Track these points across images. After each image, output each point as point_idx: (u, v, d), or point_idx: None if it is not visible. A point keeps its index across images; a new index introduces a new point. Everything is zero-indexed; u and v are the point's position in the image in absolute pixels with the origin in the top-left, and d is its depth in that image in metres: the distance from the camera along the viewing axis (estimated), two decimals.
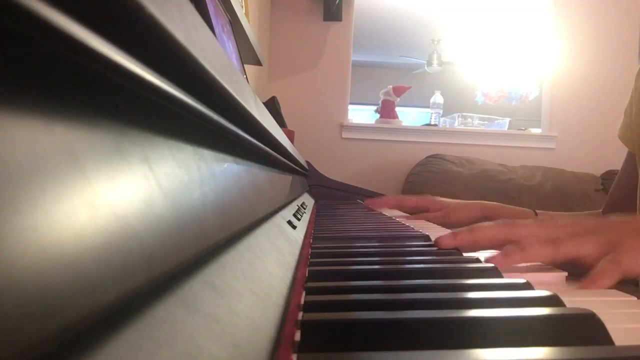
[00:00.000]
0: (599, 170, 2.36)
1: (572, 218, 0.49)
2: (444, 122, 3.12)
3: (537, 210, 0.87)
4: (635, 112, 0.76)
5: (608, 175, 2.33)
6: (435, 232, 0.68)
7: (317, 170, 1.71)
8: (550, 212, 0.87)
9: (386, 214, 0.97)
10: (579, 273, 0.39)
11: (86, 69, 0.11)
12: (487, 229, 0.46)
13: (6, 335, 0.07)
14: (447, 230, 0.66)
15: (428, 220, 0.90)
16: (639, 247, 0.38)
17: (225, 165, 0.26)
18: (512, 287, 0.30)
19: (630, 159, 0.82)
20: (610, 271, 0.36)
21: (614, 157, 2.31)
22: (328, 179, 1.73)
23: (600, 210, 0.88)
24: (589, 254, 0.40)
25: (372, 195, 1.68)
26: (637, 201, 0.72)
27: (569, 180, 2.27)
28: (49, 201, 0.09)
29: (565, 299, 0.26)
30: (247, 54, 1.39)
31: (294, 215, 0.58)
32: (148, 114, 0.16)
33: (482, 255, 0.42)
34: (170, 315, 0.13)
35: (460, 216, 0.89)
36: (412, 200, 0.96)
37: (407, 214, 0.97)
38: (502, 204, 0.90)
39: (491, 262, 0.39)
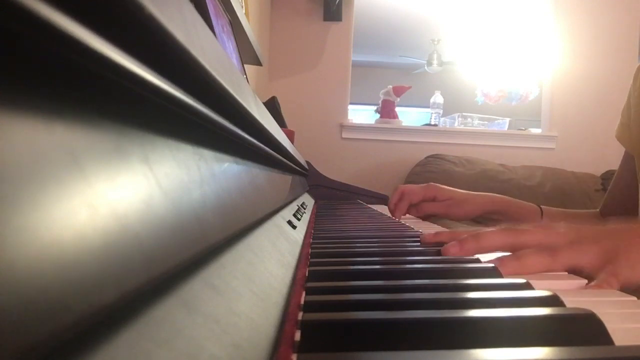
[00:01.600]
0: (599, 170, 2.36)
1: (572, 221, 0.49)
2: (444, 122, 3.12)
3: (541, 206, 0.86)
4: (634, 112, 0.76)
5: (608, 175, 2.33)
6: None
7: (317, 170, 1.70)
8: (553, 209, 0.86)
9: (387, 214, 0.97)
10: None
11: (86, 69, 0.11)
12: (493, 237, 0.46)
13: (6, 335, 0.07)
14: (444, 230, 0.66)
15: (432, 213, 0.89)
16: (637, 258, 0.39)
17: (225, 165, 0.26)
18: (512, 287, 0.31)
19: (628, 159, 0.81)
20: (609, 283, 0.37)
21: (614, 157, 2.31)
22: (328, 179, 1.73)
23: (598, 210, 0.88)
24: (586, 265, 0.40)
25: (372, 195, 1.68)
26: None
27: (569, 180, 2.27)
28: (49, 201, 0.09)
29: (565, 299, 0.26)
30: (247, 54, 1.39)
31: (294, 215, 0.58)
32: (148, 114, 0.16)
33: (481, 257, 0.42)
34: (170, 315, 0.13)
35: (467, 209, 0.86)
36: (419, 194, 0.92)
37: (411, 214, 0.94)
38: (509, 198, 0.88)
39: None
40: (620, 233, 0.43)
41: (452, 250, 0.46)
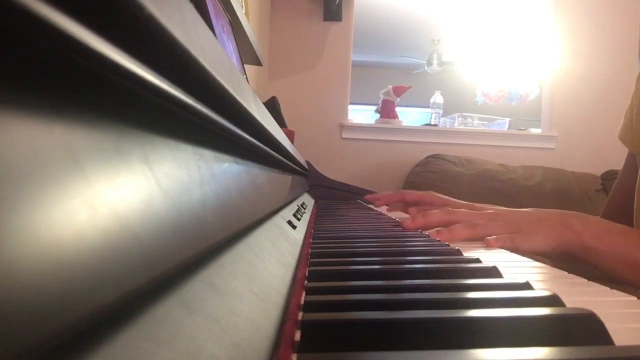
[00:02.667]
0: (599, 170, 2.36)
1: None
2: (444, 122, 3.12)
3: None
4: (636, 113, 0.76)
5: (608, 175, 2.33)
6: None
7: (317, 170, 1.71)
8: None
9: (387, 214, 0.97)
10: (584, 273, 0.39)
11: (86, 69, 0.11)
12: (435, 215, 0.66)
13: (6, 335, 0.07)
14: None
15: (430, 225, 0.89)
16: (531, 232, 0.58)
17: (225, 165, 0.26)
18: (512, 287, 0.30)
19: (631, 160, 0.81)
20: (503, 240, 0.56)
21: (614, 157, 2.31)
22: (328, 179, 1.73)
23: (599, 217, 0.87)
24: (496, 234, 0.58)
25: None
26: (635, 202, 0.72)
27: (569, 180, 2.27)
28: (49, 201, 0.09)
29: (565, 299, 0.26)
30: (247, 54, 1.39)
31: (294, 215, 0.58)
32: (148, 114, 0.16)
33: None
34: (170, 315, 0.13)
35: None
36: (414, 194, 0.94)
37: (409, 214, 0.94)
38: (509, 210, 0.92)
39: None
40: (527, 214, 0.62)
41: (406, 224, 0.68)
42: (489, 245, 0.55)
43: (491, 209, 0.68)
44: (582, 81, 2.47)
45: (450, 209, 0.68)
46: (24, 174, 0.09)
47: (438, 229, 0.61)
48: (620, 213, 0.80)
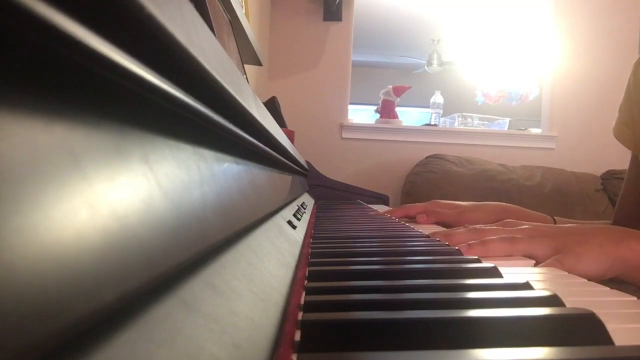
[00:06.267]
0: (599, 170, 2.36)
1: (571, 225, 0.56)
2: (444, 122, 3.12)
3: (555, 217, 0.81)
4: (635, 101, 0.72)
5: (608, 175, 2.33)
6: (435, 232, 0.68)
7: (317, 170, 1.71)
8: (566, 220, 0.81)
9: (386, 214, 0.97)
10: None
11: (86, 69, 0.11)
12: (460, 237, 0.55)
13: (6, 335, 0.07)
14: (444, 229, 0.66)
15: (443, 221, 0.86)
16: (582, 252, 0.47)
17: (225, 165, 0.26)
18: (512, 287, 0.30)
19: (635, 162, 0.77)
20: (553, 266, 0.45)
21: (614, 157, 2.31)
22: (328, 179, 1.73)
23: (610, 221, 0.82)
24: (540, 254, 0.49)
25: (372, 195, 1.68)
26: None
27: (569, 180, 2.27)
28: (49, 201, 0.09)
29: (565, 299, 0.26)
30: (247, 54, 1.39)
31: (294, 215, 0.58)
32: (148, 114, 0.16)
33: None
34: (170, 315, 0.13)
35: (478, 216, 0.84)
36: (418, 207, 0.90)
37: (418, 221, 0.92)
38: (522, 208, 0.85)
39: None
40: (572, 231, 0.52)
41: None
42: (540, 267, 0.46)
43: (526, 223, 0.57)
44: (582, 81, 2.47)
45: (478, 226, 0.58)
46: (24, 174, 0.09)
47: (470, 242, 0.51)
48: (632, 215, 0.76)
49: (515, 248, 0.50)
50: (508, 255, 0.49)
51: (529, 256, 0.49)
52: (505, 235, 0.51)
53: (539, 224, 0.57)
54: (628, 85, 0.76)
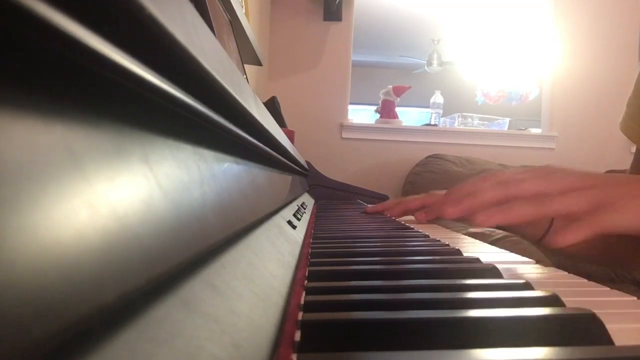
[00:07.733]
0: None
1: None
2: (444, 122, 3.12)
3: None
4: None
5: None
6: (435, 232, 0.68)
7: (317, 170, 1.71)
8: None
9: (387, 214, 0.97)
10: (587, 275, 0.39)
11: (86, 69, 0.11)
12: (485, 194, 0.46)
13: (6, 335, 0.07)
14: (444, 229, 0.65)
15: (444, 216, 0.85)
16: (629, 205, 0.38)
17: (225, 165, 0.26)
18: (512, 287, 0.30)
19: (639, 158, 0.74)
20: (577, 228, 0.37)
21: (614, 157, 2.31)
22: (328, 179, 1.73)
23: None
24: (577, 210, 0.40)
25: (372, 195, 1.68)
26: None
27: None
28: (49, 201, 0.09)
29: (565, 299, 0.26)
30: (247, 54, 1.39)
31: (294, 215, 0.58)
32: (148, 114, 0.16)
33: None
34: (170, 315, 0.13)
35: None
36: (417, 200, 0.90)
37: (415, 218, 0.92)
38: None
39: (474, 222, 0.41)
40: (622, 181, 0.43)
41: (448, 212, 0.50)
42: (563, 241, 0.39)
43: (567, 169, 0.46)
44: (582, 81, 2.47)
45: (495, 173, 0.50)
46: (24, 174, 0.09)
47: (488, 211, 0.43)
48: None
49: (547, 209, 0.41)
50: (538, 218, 0.42)
51: (566, 215, 0.42)
52: (535, 194, 0.43)
53: (582, 171, 0.47)
54: (637, 80, 0.73)
